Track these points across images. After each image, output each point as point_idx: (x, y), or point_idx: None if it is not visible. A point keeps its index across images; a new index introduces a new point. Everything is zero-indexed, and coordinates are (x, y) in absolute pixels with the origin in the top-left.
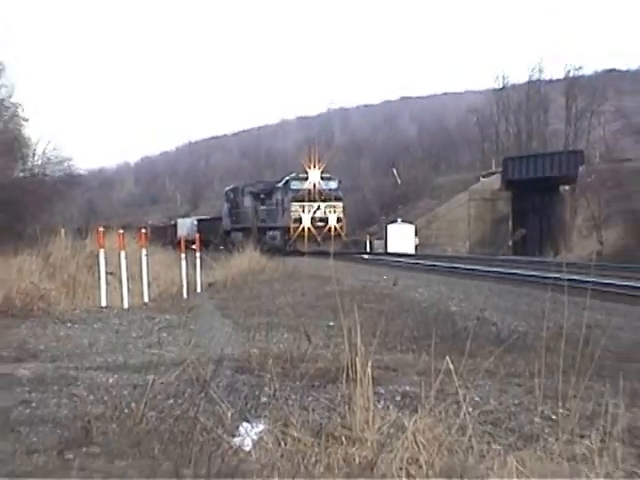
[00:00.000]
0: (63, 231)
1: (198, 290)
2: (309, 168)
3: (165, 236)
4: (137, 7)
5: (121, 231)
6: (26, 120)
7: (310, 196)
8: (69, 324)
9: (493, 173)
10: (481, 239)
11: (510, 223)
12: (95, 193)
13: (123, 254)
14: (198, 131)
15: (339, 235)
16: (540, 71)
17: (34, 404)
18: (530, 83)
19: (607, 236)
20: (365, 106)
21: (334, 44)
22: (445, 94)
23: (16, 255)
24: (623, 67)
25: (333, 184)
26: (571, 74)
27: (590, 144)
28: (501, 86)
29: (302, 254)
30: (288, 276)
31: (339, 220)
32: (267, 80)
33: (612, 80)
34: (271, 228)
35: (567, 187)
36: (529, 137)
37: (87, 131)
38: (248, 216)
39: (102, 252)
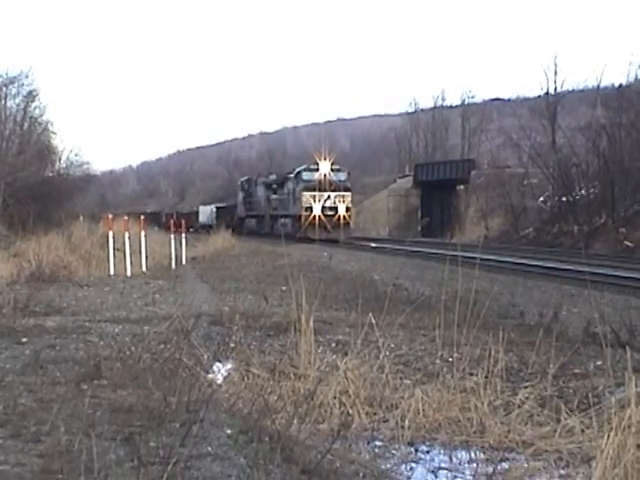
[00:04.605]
0: (81, 217)
1: (183, 262)
2: (320, 160)
3: (190, 221)
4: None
5: (125, 217)
6: (54, 133)
7: (321, 186)
8: (85, 287)
9: (407, 175)
10: (397, 225)
11: (419, 213)
12: (106, 189)
13: (127, 235)
14: (185, 141)
15: (347, 223)
16: (442, 99)
17: (58, 347)
18: (435, 108)
19: (491, 224)
20: (312, 124)
21: (291, 73)
22: (371, 116)
23: (46, 235)
24: (505, 96)
25: (342, 175)
26: (466, 101)
27: (480, 154)
28: (413, 110)
29: (313, 241)
30: (251, 252)
31: (347, 209)
32: (239, 100)
33: (496, 106)
34: (283, 216)
35: (462, 186)
36: (434, 149)
37: (101, 140)
38: (261, 204)
39: (111, 233)
